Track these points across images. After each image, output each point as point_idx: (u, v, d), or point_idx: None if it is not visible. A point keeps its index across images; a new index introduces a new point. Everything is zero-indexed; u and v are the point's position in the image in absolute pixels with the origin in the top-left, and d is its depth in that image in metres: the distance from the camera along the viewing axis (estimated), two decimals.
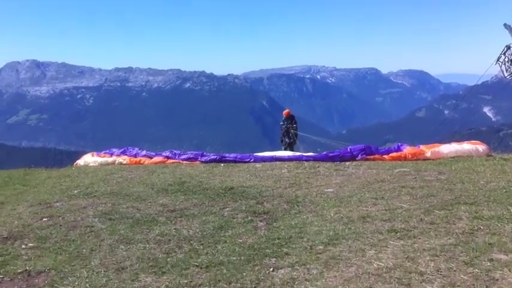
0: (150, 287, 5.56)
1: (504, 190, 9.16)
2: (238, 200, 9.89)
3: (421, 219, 7.39)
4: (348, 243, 6.55)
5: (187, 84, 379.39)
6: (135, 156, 17.64)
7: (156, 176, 13.29)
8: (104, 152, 19.11)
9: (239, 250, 6.61)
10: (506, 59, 27.17)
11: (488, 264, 5.44)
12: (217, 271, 5.90)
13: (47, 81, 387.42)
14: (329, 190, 10.39)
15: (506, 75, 27.45)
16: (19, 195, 11.63)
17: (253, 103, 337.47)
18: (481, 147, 15.36)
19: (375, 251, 6.16)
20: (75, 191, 11.43)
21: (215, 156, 16.17)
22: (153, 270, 6.05)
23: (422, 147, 15.55)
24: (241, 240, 7.10)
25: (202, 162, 15.94)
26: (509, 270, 5.20)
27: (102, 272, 6.06)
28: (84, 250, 6.91)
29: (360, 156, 14.89)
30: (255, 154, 16.54)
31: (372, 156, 15.00)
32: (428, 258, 5.72)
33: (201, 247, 6.86)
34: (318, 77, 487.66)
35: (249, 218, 8.44)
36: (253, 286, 5.41)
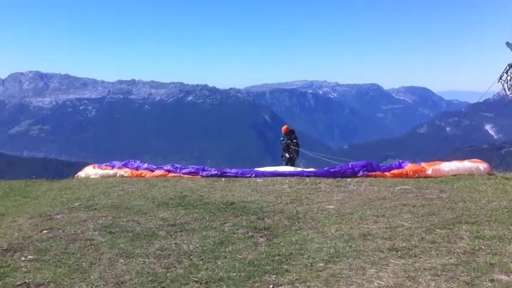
0: None
1: (506, 210, 9.12)
2: (239, 215, 9.86)
3: (422, 238, 7.36)
4: (349, 261, 6.52)
5: (190, 98, 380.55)
6: (137, 169, 17.63)
7: (157, 190, 13.27)
8: (105, 164, 19.10)
9: (239, 266, 6.58)
10: (509, 78, 27.29)
11: (489, 284, 5.43)
12: (217, 287, 5.88)
13: (49, 93, 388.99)
14: (330, 207, 10.36)
15: (508, 93, 27.54)
16: (20, 207, 11.62)
17: (255, 117, 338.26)
18: (482, 165, 15.33)
19: (376, 269, 6.14)
20: (76, 204, 11.41)
21: (216, 172, 16.15)
22: (152, 285, 6.02)
23: (423, 164, 15.53)
24: (241, 256, 7.08)
25: (203, 176, 15.93)
26: None
27: (102, 286, 6.04)
28: (83, 263, 6.88)
29: (361, 173, 14.87)
30: (256, 169, 16.52)
31: (373, 173, 14.98)
32: (429, 277, 5.70)
33: (201, 262, 6.83)
34: (320, 92, 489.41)
35: (250, 233, 8.41)
36: None
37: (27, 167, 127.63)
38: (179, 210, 10.37)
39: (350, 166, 15.23)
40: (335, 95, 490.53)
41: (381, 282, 5.66)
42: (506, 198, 10.35)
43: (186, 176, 16.25)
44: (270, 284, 5.89)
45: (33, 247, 7.75)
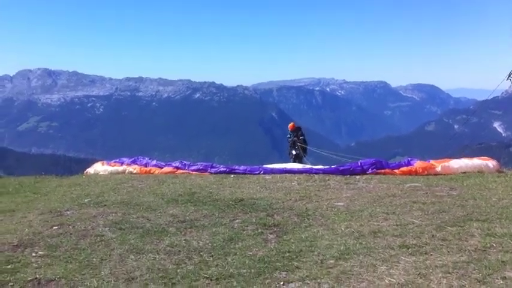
0: None
1: None
2: (248, 212, 9.86)
3: (433, 236, 7.33)
4: (359, 258, 6.50)
5: (197, 95, 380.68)
6: (145, 165, 17.66)
7: (166, 186, 13.31)
8: (114, 161, 19.14)
9: (249, 263, 6.58)
10: None
11: (501, 282, 5.40)
12: (228, 284, 5.89)
13: (58, 90, 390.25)
14: (339, 204, 10.34)
15: None
16: (30, 203, 11.67)
17: (262, 114, 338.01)
18: (491, 162, 15.24)
19: (387, 266, 6.12)
20: (86, 200, 11.47)
21: (225, 168, 16.16)
22: (163, 281, 6.04)
23: (432, 161, 15.46)
24: (251, 253, 7.08)
25: (211, 173, 15.94)
26: None
27: (112, 281, 6.07)
28: (94, 259, 6.92)
29: (370, 170, 14.82)
30: (264, 166, 16.51)
31: (382, 171, 14.93)
32: (440, 275, 5.68)
33: (211, 259, 6.85)
34: (328, 89, 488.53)
35: (259, 230, 8.42)
36: None
37: (35, 164, 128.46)
38: (188, 207, 10.39)
39: (359, 164, 15.18)
40: (342, 92, 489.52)
41: (392, 280, 5.65)
42: None
43: (194, 172, 16.26)
44: (281, 281, 5.89)
45: (43, 243, 7.80)
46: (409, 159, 15.95)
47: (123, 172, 17.43)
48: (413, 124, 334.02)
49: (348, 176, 14.50)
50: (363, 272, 5.97)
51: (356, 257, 6.56)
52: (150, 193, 12.29)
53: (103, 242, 7.80)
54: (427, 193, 11.03)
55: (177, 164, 17.32)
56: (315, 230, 8.27)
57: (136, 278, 6.17)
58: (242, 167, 16.13)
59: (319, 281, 5.82)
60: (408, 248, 6.77)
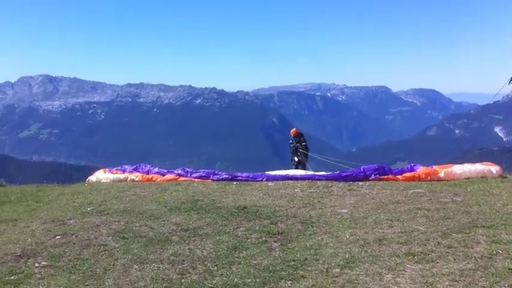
0: None
1: None
2: (252, 219, 9.80)
3: (439, 243, 7.27)
4: (365, 266, 6.45)
5: (198, 101, 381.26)
6: (148, 173, 17.62)
7: (169, 194, 13.26)
8: (116, 168, 19.11)
9: (254, 272, 6.52)
10: None
11: None
12: None
13: (59, 96, 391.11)
14: (343, 211, 10.29)
15: None
16: (32, 212, 11.62)
17: (263, 120, 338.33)
18: (494, 168, 15.21)
19: (393, 275, 6.06)
20: (88, 208, 11.42)
21: (227, 176, 16.13)
22: None
23: (435, 167, 15.42)
24: (256, 262, 7.02)
25: (214, 180, 15.90)
26: None
27: None
28: (97, 269, 6.86)
29: (373, 176, 14.78)
30: (267, 173, 16.47)
31: (385, 177, 14.88)
32: (447, 283, 5.63)
33: (216, 268, 6.79)
34: (329, 94, 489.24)
35: (263, 238, 8.36)
36: None
37: (36, 171, 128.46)
38: (192, 215, 10.33)
39: (362, 170, 15.14)
40: (343, 97, 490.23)
41: None
42: None
43: (196, 180, 16.22)
44: None
45: (46, 253, 7.75)
46: (412, 165, 15.92)
47: (125, 180, 17.38)
48: (415, 129, 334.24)
49: (351, 182, 14.46)
50: (369, 281, 5.92)
51: (361, 265, 6.51)
52: (152, 201, 12.24)
53: (106, 252, 7.74)
54: (431, 199, 10.99)
55: (179, 171, 17.28)
56: (319, 237, 8.22)
57: None
58: (245, 174, 16.10)
59: None
60: (414, 256, 6.71)
